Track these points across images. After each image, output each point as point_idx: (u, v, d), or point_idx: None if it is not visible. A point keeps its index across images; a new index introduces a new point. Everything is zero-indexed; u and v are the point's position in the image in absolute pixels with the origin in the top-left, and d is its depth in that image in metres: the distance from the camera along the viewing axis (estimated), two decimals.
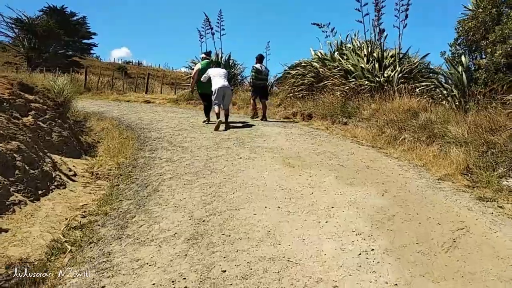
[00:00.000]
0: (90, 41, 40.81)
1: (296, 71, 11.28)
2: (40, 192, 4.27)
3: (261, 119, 9.59)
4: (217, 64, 9.05)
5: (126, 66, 47.88)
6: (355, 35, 10.82)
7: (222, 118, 8.03)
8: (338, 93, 9.17)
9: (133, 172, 5.43)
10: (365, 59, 9.30)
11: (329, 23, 11.41)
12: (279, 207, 3.55)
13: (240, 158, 5.45)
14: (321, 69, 10.15)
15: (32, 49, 35.39)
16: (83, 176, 5.50)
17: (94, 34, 40.65)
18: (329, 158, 5.36)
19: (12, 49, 36.55)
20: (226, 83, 8.27)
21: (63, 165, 5.42)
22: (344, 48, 10.43)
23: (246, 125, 8.54)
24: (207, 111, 9.04)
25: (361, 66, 9.14)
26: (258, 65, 9.76)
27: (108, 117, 10.05)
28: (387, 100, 8.02)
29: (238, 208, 3.57)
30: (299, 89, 10.83)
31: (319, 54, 11.07)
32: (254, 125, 8.55)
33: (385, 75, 8.80)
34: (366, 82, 8.81)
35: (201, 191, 4.11)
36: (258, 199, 3.79)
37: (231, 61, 14.16)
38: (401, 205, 3.55)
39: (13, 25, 34.37)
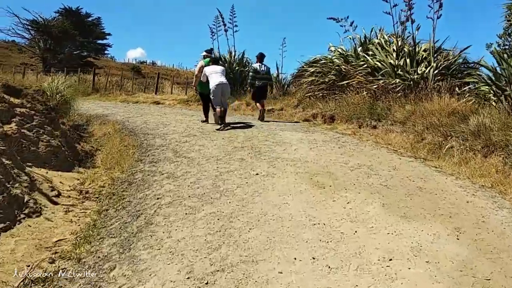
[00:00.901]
0: (104, 41, 40.27)
1: (315, 68, 10.13)
2: (0, 226, 3.27)
3: (258, 119, 8.93)
4: (214, 61, 8.23)
5: (140, 66, 47.29)
6: (379, 30, 9.62)
7: (224, 125, 7.57)
8: (365, 92, 8.00)
9: (128, 192, 4.41)
10: (394, 55, 8.11)
11: (348, 17, 10.25)
12: (314, 258, 2.47)
13: (257, 174, 4.37)
14: (344, 67, 8.99)
15: (48, 50, 34.99)
16: (69, 197, 4.50)
17: (109, 34, 40.13)
18: (367, 175, 4.24)
19: (28, 50, 36.22)
20: (224, 79, 7.74)
21: (44, 183, 4.42)
22: (369, 43, 9.24)
23: (261, 129, 7.46)
24: (206, 111, 8.59)
25: (390, 63, 7.96)
26: (256, 65, 9.12)
27: (111, 121, 9.09)
28: (424, 100, 6.84)
29: (256, 259, 2.50)
30: (319, 88, 9.69)
31: (340, 50, 9.90)
32: (271, 129, 7.46)
33: (419, 71, 7.60)
34: (397, 80, 7.63)
35: (206, 226, 3.05)
36: (283, 242, 2.71)
37: (244, 59, 13.08)
38: (491, 258, 2.42)
39: (29, 27, 34.03)
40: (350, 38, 9.93)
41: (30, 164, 4.99)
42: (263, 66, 9.16)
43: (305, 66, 10.94)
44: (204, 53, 8.69)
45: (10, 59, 35.77)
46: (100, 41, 39.96)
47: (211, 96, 7.76)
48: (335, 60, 9.77)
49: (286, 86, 11.68)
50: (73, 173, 5.56)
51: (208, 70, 7.84)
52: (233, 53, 12.92)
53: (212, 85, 7.60)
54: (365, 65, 8.32)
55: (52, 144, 5.44)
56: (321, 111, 9.08)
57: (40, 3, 72.43)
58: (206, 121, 8.55)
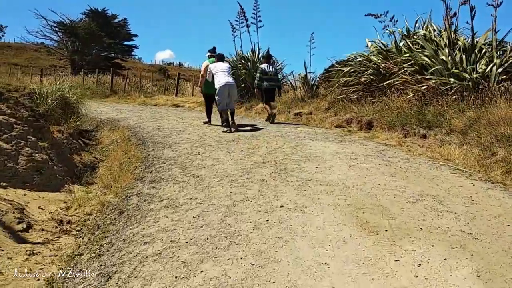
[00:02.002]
0: (131, 42, 40.14)
1: (349, 67, 8.87)
2: None
3: (267, 120, 8.53)
4: (219, 58, 7.68)
5: (167, 67, 47.04)
6: (424, 22, 8.26)
7: (232, 125, 7.12)
8: (411, 94, 6.70)
9: (114, 226, 3.39)
10: (446, 50, 6.77)
11: (387, 12, 8.93)
12: None
13: (281, 206, 3.24)
14: (384, 64, 7.70)
15: (75, 52, 35.09)
16: (42, 230, 3.52)
17: (135, 35, 39.96)
18: (436, 212, 3.03)
19: (56, 52, 36.47)
20: (231, 79, 7.29)
21: (10, 214, 3.46)
22: (414, 37, 7.91)
23: (287, 137, 6.32)
24: (208, 112, 8.32)
25: (442, 59, 6.63)
26: (264, 65, 8.65)
27: (122, 126, 8.18)
28: (488, 105, 5.52)
29: None
30: (353, 89, 8.44)
31: (378, 45, 8.61)
32: (299, 137, 6.31)
33: (479, 69, 6.26)
34: (452, 80, 6.30)
35: None
36: None
37: None
38: None
39: (56, 29, 34.21)
40: (390, 32, 8.63)
41: (4, 184, 4.06)
42: (271, 67, 8.69)
43: (336, 65, 9.69)
44: (208, 54, 8.11)
45: (40, 62, 36.15)
46: (127, 43, 39.87)
47: (216, 98, 7.24)
48: (373, 57, 8.50)
49: (315, 88, 10.46)
50: (61, 193, 4.62)
51: (213, 67, 7.27)
52: (256, 51, 11.83)
53: (217, 85, 7.03)
54: (411, 62, 7.01)
55: (36, 159, 4.50)
56: (357, 116, 7.84)
57: (67, 5, 73.61)
58: (209, 122, 8.18)
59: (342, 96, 8.84)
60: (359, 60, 8.72)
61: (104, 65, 32.41)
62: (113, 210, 3.82)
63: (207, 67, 7.58)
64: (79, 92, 8.45)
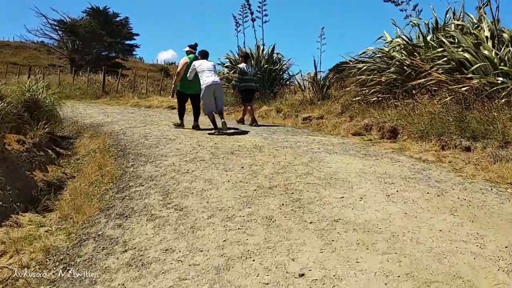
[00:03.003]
0: (132, 42, 38.99)
1: (366, 65, 7.67)
2: None
3: (251, 124, 7.78)
4: (203, 55, 6.96)
5: (168, 67, 45.91)
6: (454, 13, 7.05)
7: (222, 126, 6.52)
8: (449, 97, 5.49)
9: None
10: (489, 43, 5.57)
11: None
12: None
13: (301, 276, 2.05)
14: (410, 61, 6.49)
15: (75, 51, 34.03)
16: None
17: (137, 34, 38.85)
18: None
19: (56, 51, 35.44)
20: (217, 78, 6.71)
21: None
22: (446, 29, 6.70)
23: (298, 149, 5.14)
24: (181, 113, 7.45)
25: (484, 54, 5.43)
26: (243, 65, 7.85)
27: (105, 133, 7.02)
28: None
29: None
30: (372, 90, 7.24)
31: (402, 39, 7.40)
32: (312, 149, 5.13)
33: None
34: (500, 79, 5.10)
35: None
36: None
37: (275, 55, 10.76)
38: None
39: (56, 27, 33.17)
40: (413, 24, 7.41)
41: None
42: (250, 67, 7.98)
43: (351, 62, 8.49)
44: (188, 48, 7.33)
45: (39, 60, 35.15)
46: (128, 42, 38.74)
47: (201, 100, 6.59)
48: (394, 53, 7.29)
49: (325, 88, 9.26)
50: (2, 228, 3.46)
51: (198, 65, 6.57)
52: (261, 48, 10.63)
53: (203, 85, 6.37)
54: (446, 58, 5.80)
55: None
56: (377, 121, 6.64)
57: (68, 3, 72.20)
58: (182, 125, 7.35)
59: (358, 98, 7.65)
60: (379, 57, 7.52)
61: (105, 64, 31.33)
62: (56, 263, 2.65)
63: (185, 64, 6.90)
64: (56, 93, 7.30)
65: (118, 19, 37.04)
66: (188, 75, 6.75)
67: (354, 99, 7.71)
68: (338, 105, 8.31)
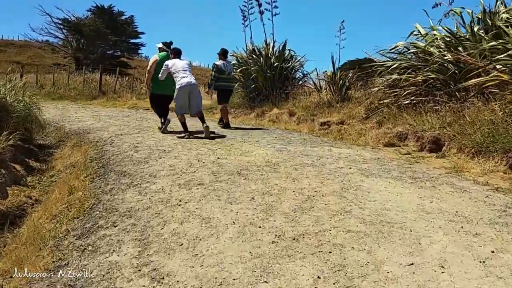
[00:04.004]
0: (138, 40, 37.95)
1: (396, 62, 6.47)
2: None
3: (222, 127, 7.27)
4: (177, 53, 6.27)
5: None
6: (504, 5, 5.82)
7: (205, 131, 5.96)
8: None
9: None
10: None
11: None
12: None
13: None
14: (456, 57, 5.29)
15: (80, 50, 33.11)
16: None
17: (142, 33, 37.68)
18: None
19: (61, 50, 34.57)
20: (193, 79, 6.08)
21: None
22: (495, 18, 5.48)
23: (323, 167, 3.98)
24: (161, 116, 6.73)
25: None
26: (220, 62, 7.21)
27: (91, 141, 5.91)
28: None
29: None
30: (405, 92, 6.04)
31: (439, 32, 6.19)
32: (340, 168, 3.97)
33: None
34: None
35: None
36: None
37: (286, 52, 9.57)
38: None
39: (61, 26, 32.28)
40: (455, 14, 6.19)
41: None
42: (227, 64, 7.32)
43: (376, 59, 7.30)
44: (160, 45, 6.76)
45: (44, 60, 34.33)
46: (133, 40, 37.71)
47: (174, 101, 6.08)
48: (431, 49, 6.08)
49: (345, 89, 8.07)
50: None
51: (171, 64, 5.98)
52: (270, 44, 9.45)
53: (177, 86, 5.86)
54: (510, 52, 4.59)
55: None
56: (414, 129, 5.46)
57: (72, 1, 71.22)
58: (165, 121, 6.59)
59: (386, 100, 6.45)
60: (412, 53, 6.32)
61: (110, 63, 30.37)
62: None
63: (155, 62, 6.36)
64: (35, 95, 6.22)
65: (123, 17, 36.03)
66: (160, 76, 6.11)
67: (382, 101, 6.52)
68: (361, 109, 7.12)
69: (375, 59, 7.41)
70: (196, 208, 3.01)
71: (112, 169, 4.38)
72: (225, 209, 2.96)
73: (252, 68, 9.05)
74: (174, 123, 6.80)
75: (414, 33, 6.75)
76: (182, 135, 6.04)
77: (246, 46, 9.66)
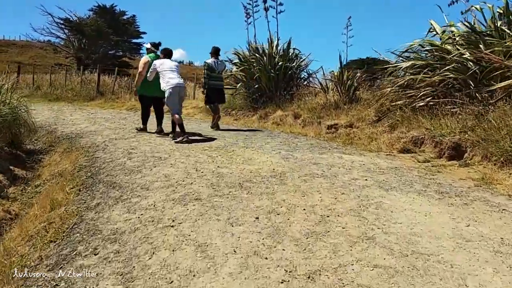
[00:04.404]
0: (140, 40, 37.51)
1: (410, 61, 6.01)
2: None
3: (212, 127, 7.09)
4: (166, 54, 6.06)
5: None
6: None
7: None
8: None
9: None
10: None
11: None
12: None
13: None
14: (478, 55, 4.82)
15: (82, 50, 32.73)
16: None
17: (144, 33, 37.29)
18: None
19: (63, 50, 34.18)
20: (181, 80, 5.92)
21: None
22: None
23: (335, 179, 3.54)
24: (145, 117, 6.55)
25: None
26: (211, 60, 6.98)
27: (82, 147, 5.48)
28: None
29: None
30: (421, 93, 5.57)
31: (457, 28, 5.72)
32: (354, 180, 3.52)
33: None
34: None
35: None
36: None
37: (291, 51, 9.10)
38: None
39: (63, 26, 31.89)
40: (474, 10, 5.71)
41: None
42: (219, 63, 7.08)
43: (386, 58, 6.84)
44: (149, 46, 6.51)
45: (45, 60, 33.98)
46: (135, 40, 37.31)
47: (166, 102, 5.81)
48: (447, 46, 5.62)
49: (353, 89, 7.61)
50: None
51: (159, 64, 5.76)
52: (275, 42, 8.99)
53: (167, 86, 5.63)
54: None
55: None
56: (430, 133, 5.00)
57: (74, 1, 70.42)
58: (145, 129, 6.47)
59: (399, 102, 5.99)
60: (427, 51, 5.85)
61: (112, 63, 29.98)
62: None
63: (147, 63, 6.07)
64: (25, 96, 5.80)
65: (125, 17, 35.63)
66: (148, 76, 5.91)
67: (394, 103, 6.06)
68: (371, 111, 6.67)
69: (385, 59, 6.94)
70: (192, 231, 2.57)
71: (101, 179, 3.94)
72: (225, 232, 2.52)
73: (255, 68, 8.59)
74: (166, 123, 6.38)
75: (431, 31, 6.28)
76: (180, 138, 5.63)
77: (249, 44, 9.21)
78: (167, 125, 6.53)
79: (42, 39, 36.55)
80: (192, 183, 3.62)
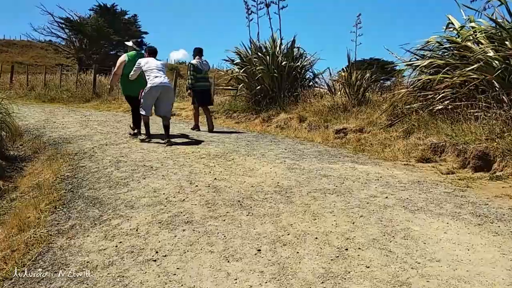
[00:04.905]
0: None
1: (426, 60, 5.48)
2: None
3: (209, 131, 6.72)
4: (151, 53, 5.74)
5: (179, 66, 44.07)
6: None
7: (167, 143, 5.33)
8: None
9: None
10: None
11: None
12: None
13: None
14: (507, 52, 4.30)
15: (83, 50, 32.31)
16: None
17: (145, 33, 36.89)
18: None
19: (63, 50, 33.76)
20: (167, 80, 5.55)
21: None
22: None
23: (350, 197, 3.03)
24: (137, 121, 6.12)
25: None
26: (195, 61, 6.75)
27: (68, 154, 4.97)
28: None
29: None
30: (439, 96, 5.04)
31: (478, 24, 5.20)
32: (373, 196, 3.01)
33: None
34: None
35: None
36: None
37: (295, 50, 8.58)
38: None
39: (63, 25, 31.48)
40: (498, 2, 5.18)
41: None
42: (204, 63, 6.82)
43: (398, 57, 6.32)
44: (131, 43, 6.27)
45: (46, 60, 33.59)
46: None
47: (142, 98, 5.47)
48: (468, 43, 5.09)
49: (362, 91, 7.08)
50: None
51: (144, 63, 5.44)
52: (278, 41, 8.47)
53: (149, 84, 5.31)
54: None
55: None
56: (452, 141, 4.48)
57: (75, 0, 69.84)
58: (138, 133, 6.06)
59: (416, 105, 5.47)
60: (445, 48, 5.33)
61: (113, 63, 29.53)
62: None
63: (123, 63, 5.82)
64: (3, 98, 5.32)
65: (126, 16, 35.23)
66: (131, 75, 5.55)
67: (409, 106, 5.53)
68: (382, 114, 6.14)
69: (396, 57, 6.41)
70: (178, 268, 2.06)
71: (82, 194, 3.45)
72: (219, 270, 2.01)
73: (258, 68, 8.08)
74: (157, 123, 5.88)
75: (448, 28, 5.75)
76: (143, 137, 5.67)
77: (251, 43, 8.69)
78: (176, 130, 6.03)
79: (42, 39, 36.19)
80: (184, 199, 3.11)
